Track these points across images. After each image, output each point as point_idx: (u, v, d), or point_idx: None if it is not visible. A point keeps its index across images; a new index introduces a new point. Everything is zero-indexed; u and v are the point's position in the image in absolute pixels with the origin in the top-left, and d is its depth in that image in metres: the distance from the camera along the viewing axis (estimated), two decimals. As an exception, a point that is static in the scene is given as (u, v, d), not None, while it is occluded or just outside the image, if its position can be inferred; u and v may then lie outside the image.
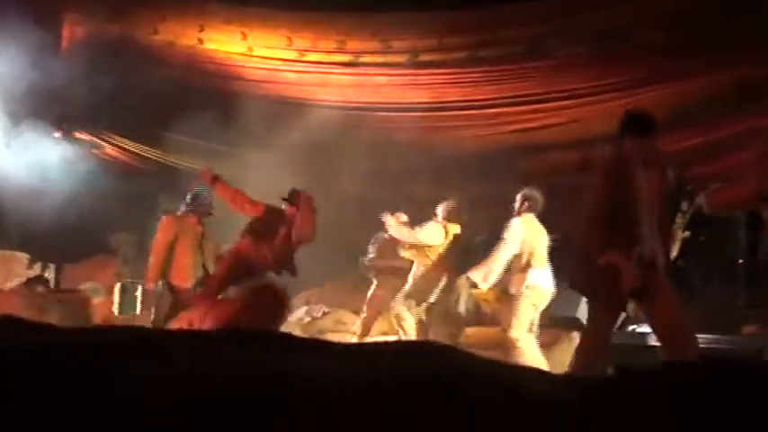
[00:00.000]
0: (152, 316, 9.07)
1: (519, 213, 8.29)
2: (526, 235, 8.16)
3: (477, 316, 9.44)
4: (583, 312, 9.21)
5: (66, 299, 10.41)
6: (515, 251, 8.13)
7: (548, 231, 8.43)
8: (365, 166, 10.09)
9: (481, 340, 8.61)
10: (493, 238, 8.45)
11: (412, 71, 11.69)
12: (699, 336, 8.59)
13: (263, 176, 9.18)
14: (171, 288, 8.73)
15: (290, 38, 11.51)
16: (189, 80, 11.80)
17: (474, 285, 8.53)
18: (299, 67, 11.93)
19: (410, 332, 9.14)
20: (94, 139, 12.73)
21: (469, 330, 9.16)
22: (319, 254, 8.89)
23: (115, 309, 11.23)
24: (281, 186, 8.29)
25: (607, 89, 11.33)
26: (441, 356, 2.50)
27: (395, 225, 9.01)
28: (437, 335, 8.68)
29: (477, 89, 11.78)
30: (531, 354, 7.87)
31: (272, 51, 11.85)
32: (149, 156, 12.81)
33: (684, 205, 9.71)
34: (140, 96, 11.51)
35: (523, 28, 11.08)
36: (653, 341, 8.53)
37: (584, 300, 9.31)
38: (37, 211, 10.89)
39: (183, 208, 8.89)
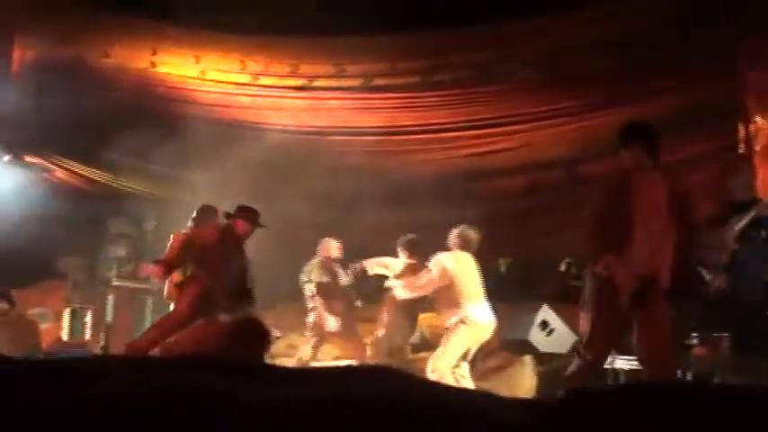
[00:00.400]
0: (101, 342, 8.97)
1: (452, 249, 8.31)
2: (456, 270, 8.15)
3: (427, 341, 9.48)
4: (535, 336, 9.25)
5: (15, 323, 10.24)
6: (435, 279, 8.13)
7: (499, 256, 8.47)
8: (318, 189, 10.10)
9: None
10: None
11: (365, 95, 11.70)
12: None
13: (214, 200, 9.11)
14: None
15: (243, 62, 11.47)
16: (141, 104, 11.70)
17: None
18: (253, 90, 11.89)
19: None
20: (45, 162, 12.56)
21: (420, 356, 9.17)
22: (270, 277, 8.84)
23: (64, 334, 11.07)
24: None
25: (559, 113, 11.45)
26: (392, 381, 2.48)
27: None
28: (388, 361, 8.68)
29: (431, 113, 11.83)
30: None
31: (225, 75, 11.81)
32: (100, 179, 12.67)
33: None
34: (91, 120, 11.40)
35: (477, 52, 11.15)
36: (611, 364, 8.62)
37: (537, 323, 9.39)
38: (-14, 236, 10.74)
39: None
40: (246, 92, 11.85)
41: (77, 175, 12.80)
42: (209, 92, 11.87)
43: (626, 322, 5.74)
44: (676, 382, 5.77)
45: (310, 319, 9.54)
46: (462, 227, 8.43)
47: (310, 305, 9.54)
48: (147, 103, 11.70)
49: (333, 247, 9.69)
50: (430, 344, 9.29)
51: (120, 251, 11.81)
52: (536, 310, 9.45)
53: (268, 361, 8.58)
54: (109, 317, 11.07)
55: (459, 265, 8.19)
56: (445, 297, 8.14)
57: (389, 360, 8.80)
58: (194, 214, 8.60)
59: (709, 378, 7.47)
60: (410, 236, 9.20)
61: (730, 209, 7.74)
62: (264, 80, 11.70)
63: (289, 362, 9.34)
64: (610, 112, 11.14)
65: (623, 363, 8.39)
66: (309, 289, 9.56)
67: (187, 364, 2.57)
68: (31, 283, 12.34)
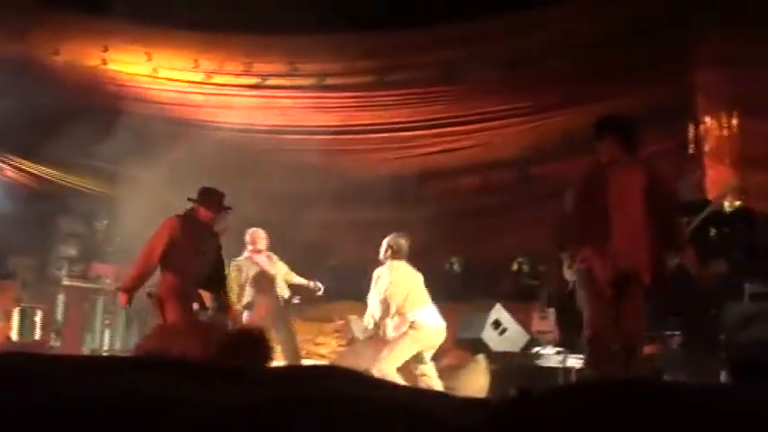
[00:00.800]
0: (52, 342, 8.84)
1: (384, 261, 8.28)
2: (394, 280, 8.13)
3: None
4: (488, 335, 9.29)
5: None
6: (381, 298, 8.12)
7: (451, 254, 8.48)
8: (271, 188, 10.05)
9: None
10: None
11: (319, 94, 11.68)
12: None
13: (165, 198, 9.02)
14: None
15: (196, 60, 11.38)
16: (92, 102, 11.56)
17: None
18: (206, 89, 11.80)
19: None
20: (-6, 160, 12.40)
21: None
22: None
23: (13, 334, 10.91)
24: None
25: (516, 113, 11.52)
26: (344, 380, 2.47)
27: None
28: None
29: (385, 113, 11.83)
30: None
31: (178, 73, 11.71)
32: (50, 178, 12.51)
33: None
34: (41, 118, 11.25)
35: (432, 52, 11.17)
36: (555, 363, 8.69)
37: (490, 322, 9.43)
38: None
39: None
40: (199, 90, 11.76)
41: (27, 173, 12.63)
42: (161, 90, 11.76)
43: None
44: (627, 380, 5.81)
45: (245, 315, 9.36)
46: (391, 236, 8.38)
47: (245, 300, 9.38)
48: (98, 100, 11.55)
49: (260, 237, 9.55)
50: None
51: (71, 250, 11.67)
52: (489, 309, 9.49)
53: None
54: (59, 316, 10.95)
55: (396, 276, 8.16)
56: (388, 309, 8.12)
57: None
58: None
59: (659, 375, 7.55)
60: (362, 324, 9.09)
61: (681, 209, 7.82)
62: (218, 78, 11.62)
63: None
64: (566, 113, 11.25)
65: (575, 361, 8.46)
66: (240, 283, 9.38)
67: (141, 366, 2.54)
68: (-22, 282, 12.17)
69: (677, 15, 9.71)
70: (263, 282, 9.42)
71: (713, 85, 9.90)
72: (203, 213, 7.67)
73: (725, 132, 9.82)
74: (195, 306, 7.58)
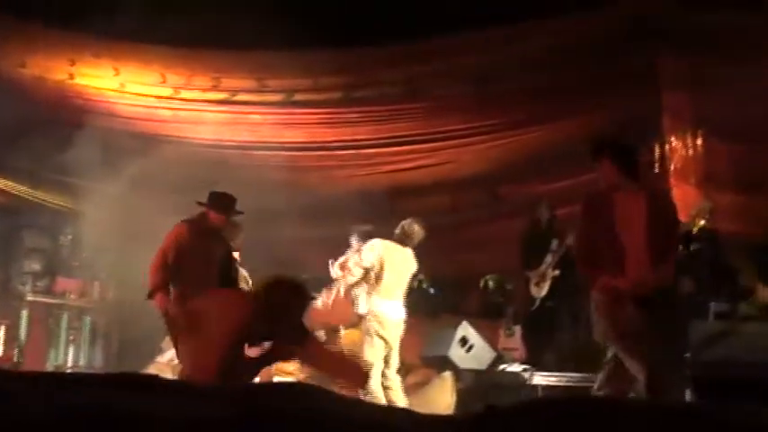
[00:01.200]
0: (15, 358, 8.75)
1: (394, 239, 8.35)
2: (385, 259, 8.17)
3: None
4: (454, 352, 9.30)
5: None
6: (367, 265, 8.15)
7: (419, 271, 8.50)
8: (239, 204, 10.02)
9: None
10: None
11: (287, 110, 11.65)
12: (567, 374, 8.81)
13: (131, 213, 8.97)
14: None
15: (163, 74, 11.30)
16: (58, 116, 11.46)
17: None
18: (174, 104, 11.72)
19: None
20: (-43, 175, 12.24)
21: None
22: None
23: (-26, 349, 10.80)
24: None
25: (483, 131, 11.55)
26: (308, 397, 2.46)
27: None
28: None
29: (353, 129, 11.83)
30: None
31: (145, 88, 11.62)
32: (14, 192, 12.37)
33: (554, 245, 9.98)
34: (6, 131, 11.13)
35: (400, 69, 11.18)
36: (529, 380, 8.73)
37: (457, 339, 9.44)
38: None
39: None
40: (167, 105, 11.68)
41: (-9, 187, 12.50)
42: (128, 104, 11.67)
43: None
44: (590, 397, 5.83)
45: None
46: (409, 220, 8.44)
47: None
48: (64, 115, 11.46)
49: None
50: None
51: (35, 265, 11.58)
52: (456, 326, 9.51)
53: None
54: (23, 332, 10.83)
55: (389, 255, 8.19)
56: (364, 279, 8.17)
57: None
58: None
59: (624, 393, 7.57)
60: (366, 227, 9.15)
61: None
62: (186, 93, 11.55)
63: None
64: (533, 130, 11.31)
65: (541, 379, 8.49)
66: None
67: (95, 382, 2.52)
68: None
69: (643, 36, 9.79)
70: None
71: (678, 105, 10.01)
72: (214, 217, 7.62)
73: (690, 152, 9.93)
74: None
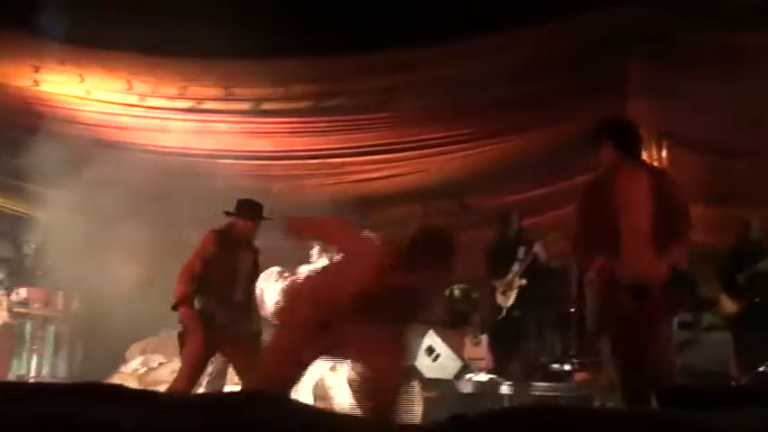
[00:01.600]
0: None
1: None
2: None
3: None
4: (421, 361, 9.31)
5: None
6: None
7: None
8: (205, 213, 9.97)
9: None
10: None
11: (255, 119, 11.61)
12: (534, 384, 8.84)
13: (95, 221, 8.90)
14: None
15: (129, 81, 11.22)
16: (22, 122, 11.35)
17: None
18: (139, 111, 11.64)
19: None
20: None
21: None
22: (155, 302, 8.66)
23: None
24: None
25: (454, 141, 11.59)
26: (271, 405, 2.45)
27: None
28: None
29: (322, 138, 11.82)
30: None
31: (111, 95, 11.54)
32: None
33: (521, 253, 10.01)
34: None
35: (370, 79, 11.16)
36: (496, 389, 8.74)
37: (424, 348, 9.44)
38: None
39: None
40: (133, 112, 11.60)
41: (-48, 195, 12.36)
42: (94, 111, 11.58)
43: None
44: (557, 406, 5.84)
45: None
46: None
47: None
48: (28, 121, 11.34)
49: None
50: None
51: (-2, 273, 11.47)
52: (422, 335, 9.51)
53: (153, 388, 8.41)
54: (-15, 342, 10.72)
55: None
56: None
57: None
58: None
59: (589, 402, 7.63)
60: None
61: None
62: (151, 101, 11.47)
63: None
64: (506, 139, 11.36)
65: (507, 388, 8.51)
66: None
67: (59, 392, 2.49)
68: None
69: (612, 46, 9.86)
70: None
71: (643, 115, 10.07)
72: (242, 225, 7.62)
73: (655, 163, 10.00)
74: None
